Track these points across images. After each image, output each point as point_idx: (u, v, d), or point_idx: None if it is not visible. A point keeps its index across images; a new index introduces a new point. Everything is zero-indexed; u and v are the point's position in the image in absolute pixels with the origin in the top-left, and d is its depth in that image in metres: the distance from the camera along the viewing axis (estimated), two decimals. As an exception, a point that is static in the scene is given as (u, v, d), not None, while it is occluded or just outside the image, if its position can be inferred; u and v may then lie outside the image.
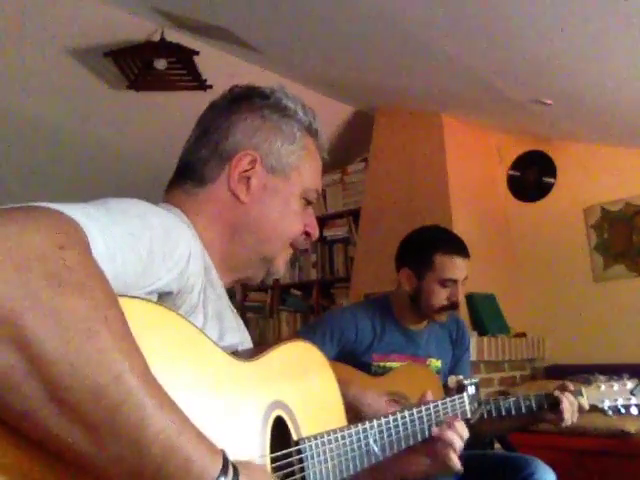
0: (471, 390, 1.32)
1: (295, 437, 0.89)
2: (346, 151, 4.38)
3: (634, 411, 1.66)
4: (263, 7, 2.82)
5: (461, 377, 1.38)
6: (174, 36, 3.22)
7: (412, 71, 3.30)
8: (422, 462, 1.17)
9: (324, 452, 0.91)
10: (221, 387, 0.78)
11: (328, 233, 4.45)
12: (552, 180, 3.97)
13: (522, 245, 4.03)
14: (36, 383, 0.52)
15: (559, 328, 3.78)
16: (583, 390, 1.70)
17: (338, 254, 4.46)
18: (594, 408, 1.70)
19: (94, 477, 0.57)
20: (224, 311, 0.91)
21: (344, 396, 1.05)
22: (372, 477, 1.11)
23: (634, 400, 1.66)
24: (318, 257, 4.53)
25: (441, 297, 2.00)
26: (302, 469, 0.87)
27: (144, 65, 3.27)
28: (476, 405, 1.33)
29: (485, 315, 3.49)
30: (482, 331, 3.42)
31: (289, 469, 0.86)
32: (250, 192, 0.94)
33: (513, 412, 1.73)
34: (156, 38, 3.22)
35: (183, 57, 3.23)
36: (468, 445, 1.32)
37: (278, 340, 1.01)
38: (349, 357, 1.98)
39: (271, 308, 4.83)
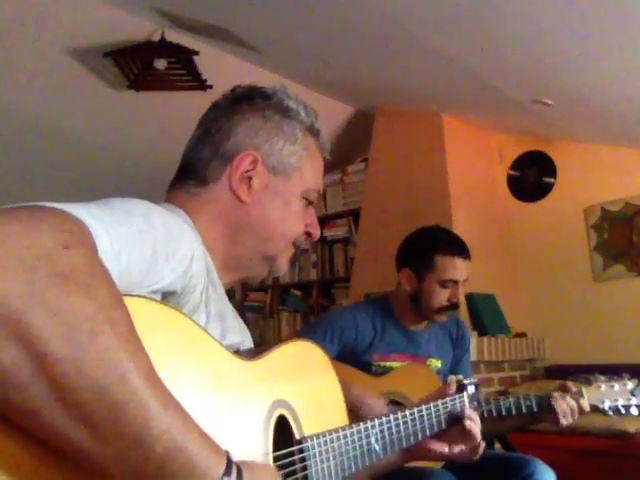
0: (471, 390, 1.33)
1: (297, 436, 0.89)
2: (346, 151, 4.38)
3: (634, 411, 1.66)
4: (263, 7, 2.82)
5: (461, 377, 1.38)
6: (174, 36, 3.22)
7: (412, 71, 3.30)
8: (439, 449, 1.21)
9: (326, 451, 0.91)
10: (224, 386, 0.78)
11: (328, 233, 4.45)
12: (552, 180, 3.98)
13: (522, 245, 4.03)
14: (41, 382, 0.52)
15: (559, 328, 3.78)
16: (583, 390, 1.70)
17: (338, 254, 4.46)
18: (594, 408, 1.70)
19: (99, 476, 0.57)
20: (225, 311, 0.92)
21: (345, 397, 1.05)
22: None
23: (634, 400, 1.66)
24: (318, 257, 4.53)
25: (441, 298, 2.01)
26: (304, 468, 0.88)
27: (144, 65, 3.26)
28: (476, 404, 1.34)
29: (485, 315, 3.49)
30: (482, 331, 3.42)
31: (291, 468, 0.86)
32: (251, 192, 0.94)
33: (513, 412, 1.73)
34: (156, 38, 3.22)
35: (183, 57, 3.23)
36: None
37: (278, 340, 1.01)
38: (349, 357, 1.98)
39: (271, 308, 4.83)
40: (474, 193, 3.89)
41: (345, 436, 0.96)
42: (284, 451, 0.85)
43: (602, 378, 1.71)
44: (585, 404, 1.69)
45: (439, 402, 1.23)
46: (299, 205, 0.99)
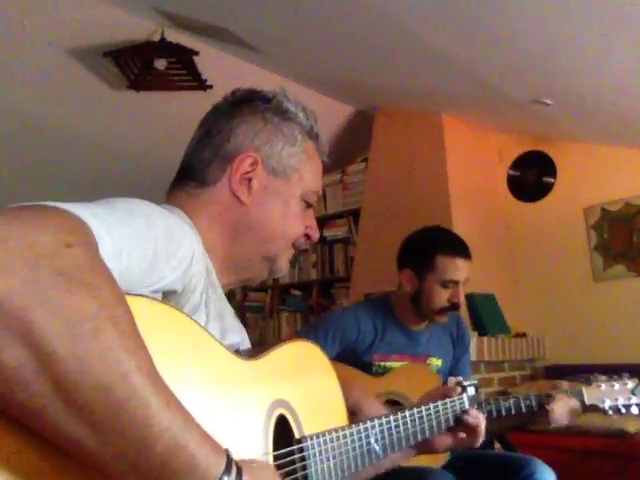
0: (471, 391, 1.33)
1: (297, 435, 0.90)
2: (346, 151, 4.38)
3: (634, 411, 1.66)
4: (263, 7, 2.82)
5: (460, 378, 1.39)
6: (174, 36, 3.22)
7: (412, 71, 3.30)
8: (445, 441, 1.27)
9: (326, 451, 0.92)
10: (225, 385, 0.79)
11: (328, 233, 4.45)
12: (552, 180, 3.98)
13: (522, 245, 4.03)
14: (44, 380, 0.52)
15: (559, 328, 3.78)
16: (584, 390, 1.70)
17: (338, 254, 4.46)
18: (595, 408, 1.70)
19: (101, 474, 0.58)
20: (225, 311, 0.92)
21: (346, 400, 1.06)
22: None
23: (635, 400, 1.66)
24: (318, 257, 4.53)
25: (442, 298, 2.00)
26: (304, 467, 0.88)
27: (144, 65, 3.26)
28: (476, 406, 1.35)
29: (485, 315, 3.49)
30: (482, 331, 3.42)
31: (291, 467, 0.86)
32: (251, 193, 0.95)
33: (513, 412, 1.73)
34: (156, 38, 3.22)
35: (183, 57, 3.23)
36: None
37: (278, 340, 1.02)
38: (350, 357, 1.98)
39: (271, 308, 4.83)
40: (474, 193, 3.89)
41: (345, 436, 0.96)
42: (284, 450, 0.86)
43: (602, 378, 1.71)
44: (576, 405, 1.69)
45: (439, 403, 1.23)
46: (298, 207, 1.00)
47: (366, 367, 2.00)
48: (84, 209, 0.63)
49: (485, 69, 3.02)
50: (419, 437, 1.16)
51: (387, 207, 3.95)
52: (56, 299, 0.53)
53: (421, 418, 1.17)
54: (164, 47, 3.20)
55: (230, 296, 0.99)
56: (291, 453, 0.87)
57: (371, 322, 2.04)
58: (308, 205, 1.02)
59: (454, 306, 2.02)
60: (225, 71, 3.42)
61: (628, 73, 2.75)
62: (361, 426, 1.01)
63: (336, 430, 0.95)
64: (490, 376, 3.49)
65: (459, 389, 1.32)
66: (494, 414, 1.71)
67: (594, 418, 2.86)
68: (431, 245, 2.03)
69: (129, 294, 0.64)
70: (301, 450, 0.88)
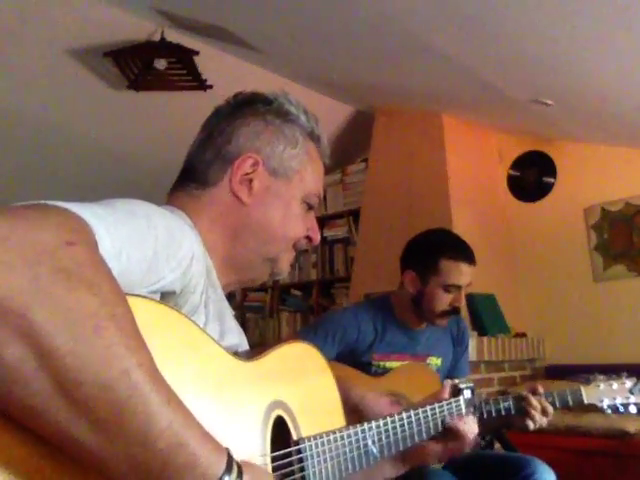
0: (467, 394, 1.34)
1: (295, 437, 0.90)
2: (346, 151, 4.38)
3: (633, 410, 1.66)
4: (263, 7, 2.82)
5: (457, 381, 1.39)
6: (174, 36, 3.23)
7: (412, 71, 3.30)
8: (436, 449, 1.25)
9: (323, 452, 0.92)
10: (223, 386, 0.79)
11: (328, 233, 4.45)
12: (552, 180, 3.98)
13: (522, 245, 4.03)
14: (45, 378, 0.52)
15: (559, 328, 3.78)
16: (582, 389, 1.70)
17: (338, 254, 4.46)
18: (593, 407, 1.70)
19: (102, 474, 0.58)
20: (224, 312, 0.92)
21: (345, 398, 1.06)
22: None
23: (633, 399, 1.66)
24: (318, 257, 4.53)
25: (444, 302, 2.00)
26: (302, 469, 0.88)
27: (144, 65, 3.27)
28: (472, 409, 1.35)
29: (485, 315, 3.49)
30: (482, 331, 3.42)
31: (289, 468, 0.86)
32: (252, 194, 0.95)
33: (513, 412, 1.72)
34: (156, 38, 3.22)
35: (183, 57, 3.23)
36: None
37: (278, 340, 1.02)
38: (349, 357, 1.98)
39: (271, 308, 4.84)
40: (474, 193, 3.89)
41: (342, 437, 0.96)
42: (282, 452, 0.86)
43: (601, 377, 1.71)
44: (547, 406, 1.68)
45: (435, 405, 1.24)
46: (299, 208, 1.00)
47: (366, 367, 2.00)
48: (85, 209, 0.63)
49: (485, 69, 3.02)
50: (416, 439, 1.17)
51: (387, 207, 3.95)
52: (56, 297, 0.53)
53: (418, 420, 1.18)
54: (164, 47, 3.20)
55: (230, 296, 0.99)
56: (289, 454, 0.87)
57: (371, 322, 2.04)
58: (309, 207, 1.02)
59: (455, 310, 2.02)
60: (225, 71, 3.43)
61: (628, 73, 2.75)
62: (358, 428, 1.02)
63: (334, 432, 0.95)
64: (490, 376, 3.49)
65: (448, 391, 1.32)
66: (493, 414, 1.71)
67: (594, 418, 2.86)
68: (436, 248, 2.02)
69: (127, 294, 0.64)
70: (299, 451, 0.88)
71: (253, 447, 0.81)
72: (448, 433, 1.24)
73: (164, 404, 0.58)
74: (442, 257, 1.99)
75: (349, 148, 4.40)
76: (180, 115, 3.69)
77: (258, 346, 0.97)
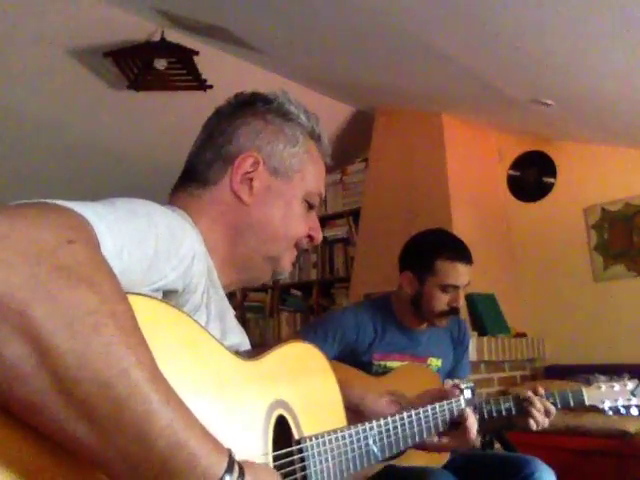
0: (467, 394, 1.34)
1: (296, 436, 0.90)
2: (346, 151, 4.38)
3: (634, 412, 1.66)
4: (263, 7, 2.82)
5: (457, 381, 1.39)
6: (174, 36, 3.23)
7: (412, 71, 3.30)
8: (443, 440, 1.28)
9: (325, 452, 0.92)
10: (225, 385, 0.79)
11: (328, 233, 4.45)
12: (552, 180, 3.98)
13: (522, 245, 4.03)
14: (44, 375, 0.52)
15: (559, 328, 3.78)
16: (583, 390, 1.70)
17: (338, 254, 4.46)
18: (594, 408, 1.70)
19: (102, 472, 0.58)
20: (226, 312, 0.92)
21: (346, 398, 1.06)
22: None
23: (635, 401, 1.66)
24: (318, 257, 4.53)
25: (442, 302, 2.00)
26: (303, 468, 0.88)
27: (144, 65, 3.27)
28: (472, 408, 1.35)
29: (485, 315, 3.49)
30: (482, 331, 3.42)
31: (291, 467, 0.86)
32: (253, 193, 0.95)
33: (514, 412, 1.72)
34: (156, 38, 3.22)
35: (183, 57, 3.23)
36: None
37: (278, 340, 1.02)
38: (350, 357, 1.98)
39: (271, 308, 4.84)
40: (474, 193, 3.89)
41: (344, 437, 0.97)
42: (283, 451, 0.86)
43: (602, 378, 1.71)
44: (552, 408, 1.68)
45: (436, 405, 1.24)
46: (300, 207, 1.00)
47: (366, 367, 2.00)
48: (86, 207, 0.63)
49: (485, 69, 3.02)
50: (417, 439, 1.17)
51: (387, 207, 3.95)
52: (56, 294, 0.53)
53: (419, 420, 1.18)
54: (164, 47, 3.20)
55: (230, 296, 0.99)
56: (290, 454, 0.87)
57: (371, 322, 2.04)
58: (310, 206, 1.02)
59: (454, 310, 2.02)
60: (225, 71, 3.43)
61: (628, 73, 2.75)
62: (359, 427, 1.02)
63: (335, 431, 0.95)
64: (490, 376, 3.49)
65: (456, 392, 1.32)
66: (494, 414, 1.71)
67: (594, 418, 2.86)
68: (432, 249, 2.02)
69: (129, 293, 0.64)
70: (300, 451, 0.88)
71: (255, 446, 0.81)
72: (453, 428, 1.26)
73: (164, 403, 0.57)
74: (438, 257, 1.99)
75: (349, 148, 4.40)
76: (180, 115, 3.69)
77: (259, 346, 0.97)
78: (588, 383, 1.71)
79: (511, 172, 4.16)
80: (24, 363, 0.52)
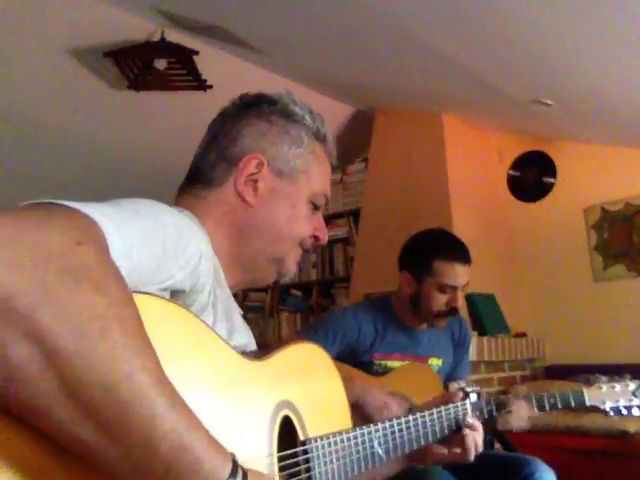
0: (473, 397, 1.34)
1: (302, 437, 0.90)
2: (346, 151, 4.38)
3: (636, 412, 1.65)
4: (263, 7, 2.82)
5: (463, 384, 1.39)
6: (174, 36, 3.22)
7: (412, 71, 3.30)
8: (440, 451, 1.25)
9: (330, 453, 0.92)
10: (230, 385, 0.79)
11: (328, 233, 4.43)
12: (552, 180, 3.98)
13: (522, 245, 4.03)
14: (50, 378, 0.52)
15: (559, 328, 3.78)
16: (584, 390, 1.70)
17: (338, 254, 4.46)
18: (595, 409, 1.70)
19: (106, 474, 0.58)
20: (232, 312, 0.93)
21: (349, 391, 1.06)
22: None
23: (636, 401, 1.65)
24: (318, 257, 4.53)
25: (440, 302, 1.99)
26: (308, 469, 0.88)
27: (144, 65, 3.27)
28: (478, 413, 1.35)
29: (485, 315, 3.49)
30: (482, 331, 3.42)
31: (296, 468, 0.86)
32: (257, 195, 0.96)
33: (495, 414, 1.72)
34: (156, 38, 3.22)
35: (183, 57, 3.23)
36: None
37: (278, 340, 1.02)
38: (350, 357, 1.98)
39: (271, 308, 4.83)
40: (474, 193, 3.89)
41: (349, 439, 0.97)
42: (289, 451, 0.86)
43: (603, 379, 1.71)
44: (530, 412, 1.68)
45: (442, 408, 1.24)
46: (306, 208, 1.00)
47: (366, 367, 2.00)
48: (93, 208, 0.63)
49: (485, 69, 3.02)
50: (422, 441, 1.17)
51: (387, 207, 3.95)
52: (64, 298, 0.53)
53: (424, 423, 1.18)
54: (164, 47, 3.20)
55: (232, 296, 0.99)
56: (295, 454, 0.87)
57: (371, 322, 2.04)
58: (316, 207, 1.02)
59: (452, 311, 2.01)
60: (225, 71, 3.42)
61: (628, 73, 2.75)
62: (365, 429, 1.01)
63: (340, 433, 0.95)
64: (490, 376, 3.49)
65: (460, 395, 1.32)
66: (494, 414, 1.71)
67: (595, 418, 2.86)
68: (430, 249, 2.02)
69: (137, 292, 0.64)
70: (305, 452, 0.88)
71: (260, 447, 0.81)
72: (453, 440, 1.24)
73: (168, 407, 0.58)
74: (436, 257, 1.98)
75: (349, 148, 4.39)
76: (180, 115, 3.69)
77: (263, 346, 0.97)
78: (588, 383, 1.71)
79: (511, 172, 4.16)
80: (30, 366, 0.52)
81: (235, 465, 0.63)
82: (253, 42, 3.26)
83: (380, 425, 1.06)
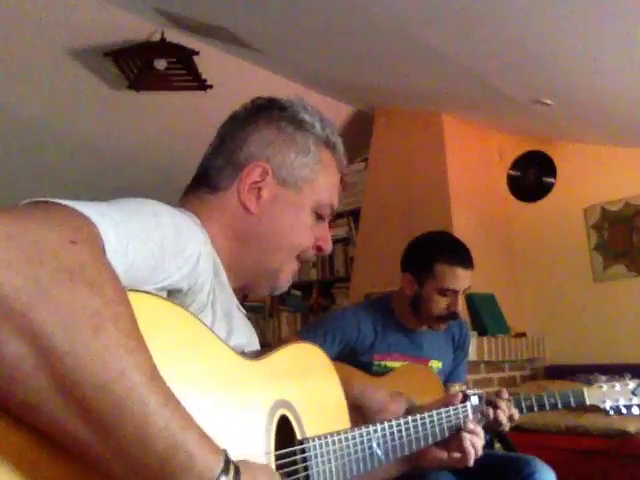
0: (474, 401, 1.33)
1: (299, 436, 0.90)
2: (346, 151, 4.37)
3: (635, 411, 1.65)
4: (263, 7, 2.82)
5: (464, 387, 1.39)
6: (174, 36, 3.23)
7: (412, 71, 3.30)
8: (439, 455, 1.24)
9: (327, 452, 0.91)
10: (228, 384, 0.79)
11: (328, 233, 4.44)
12: (552, 180, 3.98)
13: (522, 245, 4.03)
14: (44, 376, 0.53)
15: (559, 328, 3.78)
16: (584, 390, 1.70)
17: (338, 254, 4.46)
18: (595, 408, 1.70)
19: (100, 472, 0.58)
20: (232, 312, 0.92)
21: (347, 392, 1.06)
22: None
23: (636, 400, 1.66)
24: (318, 257, 4.53)
25: (440, 306, 1.99)
26: (306, 468, 0.88)
27: (144, 65, 3.27)
28: (479, 416, 1.34)
29: (485, 315, 3.49)
30: (482, 331, 3.42)
31: (293, 467, 0.86)
32: (260, 203, 0.95)
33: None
34: (156, 38, 3.22)
35: (183, 57, 3.23)
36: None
37: (278, 340, 1.02)
38: (350, 357, 1.98)
39: (271, 308, 4.84)
40: (474, 193, 3.89)
41: (347, 439, 0.96)
42: (286, 450, 0.86)
43: (603, 378, 1.71)
44: (516, 414, 1.68)
45: (442, 410, 1.23)
46: (309, 218, 0.99)
47: (366, 367, 2.00)
48: (90, 207, 0.63)
49: (485, 69, 3.02)
50: (422, 443, 1.16)
51: (387, 207, 3.95)
52: (58, 296, 0.53)
53: (424, 425, 1.17)
54: (164, 47, 3.21)
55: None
56: (293, 453, 0.87)
57: (371, 323, 2.04)
58: (320, 217, 1.01)
59: (452, 315, 2.01)
60: (225, 71, 3.42)
61: (628, 73, 2.75)
62: (363, 429, 1.01)
63: (338, 432, 0.95)
64: (490, 376, 3.49)
65: (459, 397, 1.31)
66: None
67: (595, 418, 2.86)
68: (432, 252, 2.01)
69: (133, 290, 0.65)
70: (303, 451, 0.88)
71: (257, 445, 0.81)
72: (452, 444, 1.23)
73: (161, 405, 0.58)
74: (437, 261, 1.98)
75: (349, 148, 4.33)
76: (180, 115, 3.69)
77: (263, 346, 0.97)
78: (588, 383, 1.71)
79: (511, 172, 4.15)
80: (24, 363, 0.52)
81: (227, 460, 0.64)
82: (253, 42, 3.26)
83: (379, 426, 1.05)
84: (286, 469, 0.84)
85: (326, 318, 2.39)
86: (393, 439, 1.08)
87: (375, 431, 1.04)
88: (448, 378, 2.16)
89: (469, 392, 1.34)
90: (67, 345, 0.53)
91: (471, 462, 1.24)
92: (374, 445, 1.02)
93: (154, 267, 0.72)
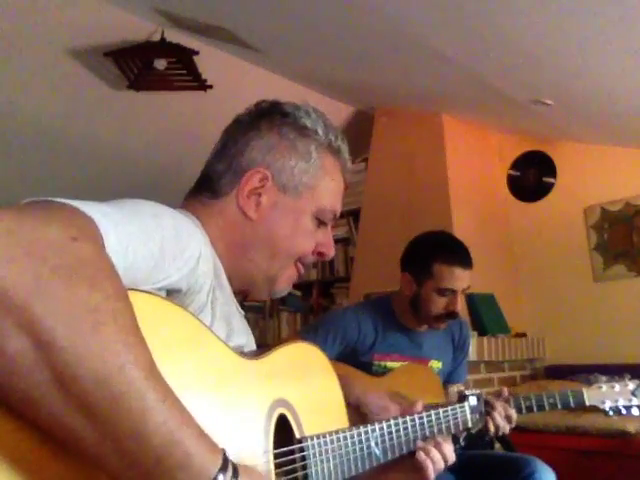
0: (473, 401, 1.33)
1: (298, 435, 0.90)
2: (347, 151, 4.37)
3: (635, 412, 1.66)
4: (263, 7, 2.82)
5: (462, 388, 1.39)
6: (174, 36, 3.23)
7: (412, 71, 3.30)
8: (399, 476, 1.14)
9: (326, 451, 0.92)
10: (226, 383, 0.79)
11: (328, 233, 4.44)
12: (552, 180, 3.98)
13: (522, 245, 4.03)
14: (44, 371, 0.53)
15: (559, 328, 3.78)
16: (584, 390, 1.70)
17: (338, 254, 4.45)
18: (595, 409, 1.70)
19: (99, 468, 0.58)
20: (232, 313, 0.93)
21: (348, 395, 1.05)
22: None
23: (635, 401, 1.66)
24: (318, 258, 4.53)
25: (439, 305, 1.99)
26: (304, 467, 0.88)
27: (144, 65, 3.27)
28: (478, 416, 1.34)
29: (485, 315, 3.49)
30: (482, 331, 3.42)
31: (291, 466, 0.86)
32: (259, 209, 0.95)
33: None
34: (156, 38, 3.22)
35: (183, 57, 3.23)
36: (469, 445, 1.33)
37: (278, 340, 1.02)
38: (350, 356, 1.98)
39: (271, 308, 4.84)
40: (474, 193, 3.89)
41: (345, 438, 0.96)
42: (284, 449, 0.86)
43: (603, 378, 1.71)
44: (513, 414, 1.67)
45: (440, 410, 1.23)
46: (309, 224, 0.99)
47: (366, 367, 2.00)
48: (91, 206, 0.64)
49: (485, 69, 3.02)
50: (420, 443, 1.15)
51: (387, 207, 3.95)
52: (58, 292, 0.54)
53: (422, 424, 1.16)
54: (164, 47, 3.21)
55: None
56: (291, 452, 0.87)
57: (372, 323, 2.04)
58: (321, 222, 1.00)
59: (451, 314, 2.01)
60: (225, 71, 3.42)
61: (628, 73, 2.75)
62: (362, 429, 1.01)
63: (337, 432, 0.95)
64: (490, 376, 3.49)
65: (420, 406, 1.26)
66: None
67: (594, 418, 2.86)
68: (431, 251, 2.02)
69: (133, 289, 0.65)
70: (301, 450, 0.88)
71: (256, 444, 0.81)
72: (407, 461, 1.11)
73: (160, 401, 0.58)
74: (436, 261, 1.98)
75: (349, 148, 4.38)
76: (180, 115, 3.69)
77: (261, 346, 0.98)
78: (588, 383, 1.71)
79: (511, 172, 4.15)
80: (24, 358, 0.53)
81: (225, 460, 0.64)
82: (253, 42, 3.26)
83: (377, 425, 1.05)
84: (284, 468, 0.85)
85: (326, 318, 2.39)
86: (391, 438, 1.08)
87: (373, 430, 1.04)
88: (449, 379, 2.16)
89: (467, 392, 1.33)
90: (67, 340, 0.53)
91: (432, 476, 1.10)
92: (372, 444, 1.02)
93: (154, 268, 0.72)
